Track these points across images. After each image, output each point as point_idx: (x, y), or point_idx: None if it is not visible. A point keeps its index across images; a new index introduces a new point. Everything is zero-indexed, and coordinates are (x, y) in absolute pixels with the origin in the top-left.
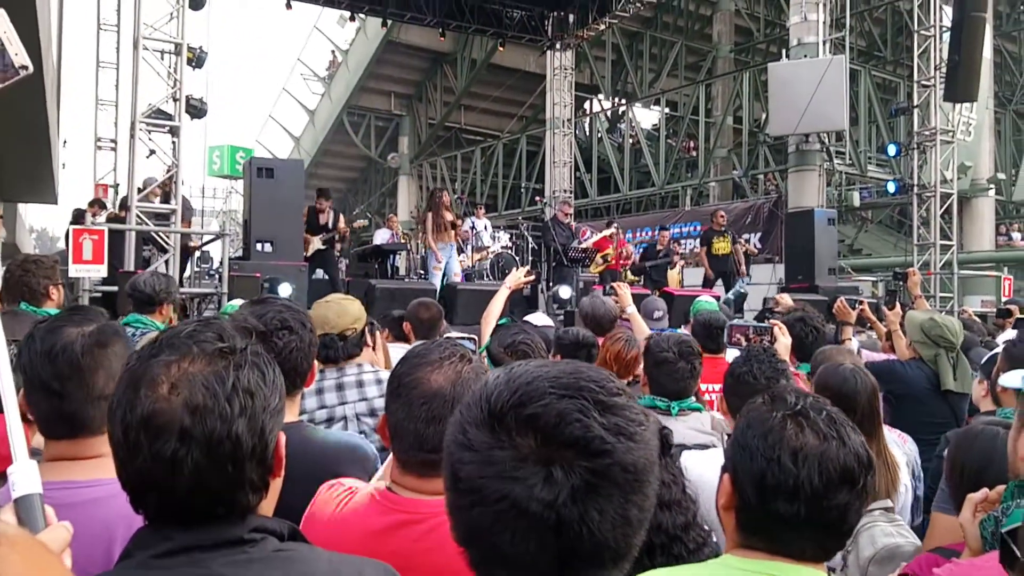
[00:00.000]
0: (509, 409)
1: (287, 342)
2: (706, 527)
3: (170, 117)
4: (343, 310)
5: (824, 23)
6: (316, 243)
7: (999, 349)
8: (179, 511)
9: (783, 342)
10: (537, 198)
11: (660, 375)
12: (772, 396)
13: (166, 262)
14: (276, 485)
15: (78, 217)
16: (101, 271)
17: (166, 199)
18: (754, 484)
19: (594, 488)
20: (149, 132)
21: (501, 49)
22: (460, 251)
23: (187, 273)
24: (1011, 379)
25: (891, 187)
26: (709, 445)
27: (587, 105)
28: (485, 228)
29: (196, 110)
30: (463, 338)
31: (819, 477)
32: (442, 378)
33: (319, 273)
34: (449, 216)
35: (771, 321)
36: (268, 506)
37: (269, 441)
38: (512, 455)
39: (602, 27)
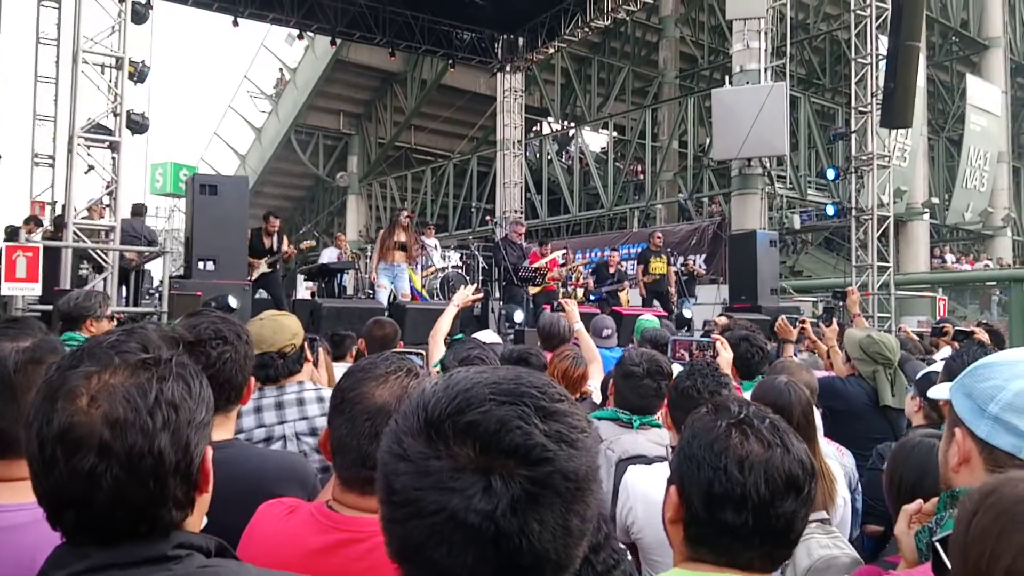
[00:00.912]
0: (447, 417)
1: (221, 352)
2: (620, 547)
3: (110, 132)
4: (279, 326)
5: (765, 51)
6: (262, 267)
7: (933, 367)
8: (98, 528)
9: (725, 356)
10: (488, 218)
11: (625, 388)
12: (716, 406)
13: (104, 280)
14: (203, 501)
15: (12, 234)
16: (35, 289)
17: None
18: (701, 494)
19: (534, 497)
20: (88, 147)
21: (452, 70)
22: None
23: (126, 292)
24: (939, 391)
25: (830, 210)
26: (668, 458)
27: (537, 127)
28: (435, 247)
29: (137, 125)
30: (411, 353)
31: (765, 485)
32: (387, 393)
33: (262, 293)
34: (401, 237)
35: (713, 336)
36: (195, 522)
37: (195, 456)
38: (449, 465)
39: (551, 51)
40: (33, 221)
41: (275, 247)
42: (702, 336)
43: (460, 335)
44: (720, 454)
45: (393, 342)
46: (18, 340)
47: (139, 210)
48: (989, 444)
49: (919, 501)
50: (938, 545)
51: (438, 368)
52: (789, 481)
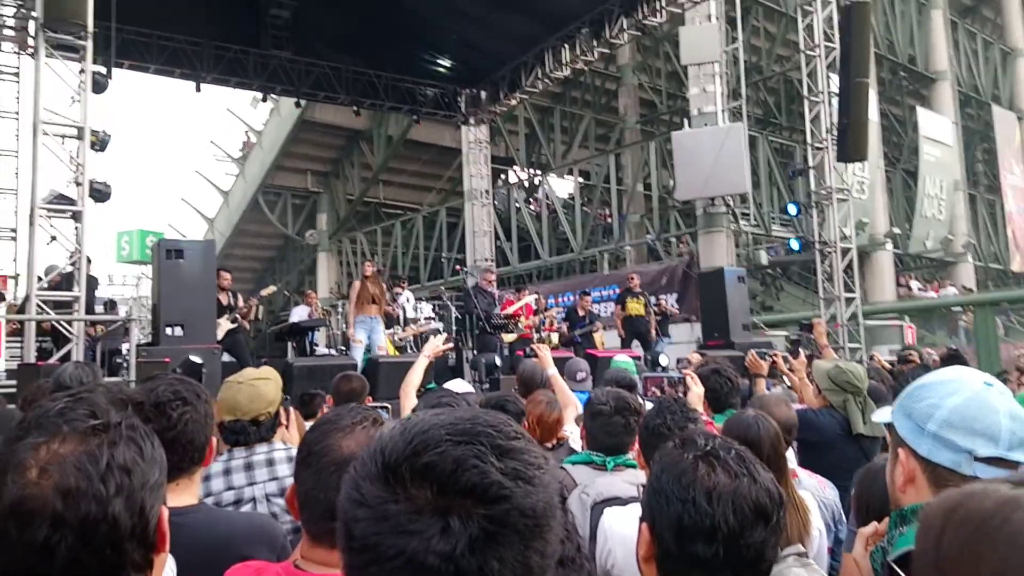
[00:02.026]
0: (403, 460)
1: (181, 413)
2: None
3: (72, 202)
4: (256, 395)
5: (722, 94)
6: (225, 324)
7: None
8: None
9: (695, 392)
10: (458, 268)
11: (595, 428)
12: (683, 439)
13: (68, 352)
14: (161, 560)
15: None
16: None
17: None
18: (671, 528)
19: (493, 536)
20: (50, 218)
21: (417, 125)
22: (388, 325)
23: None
24: (880, 415)
25: (794, 245)
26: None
27: (504, 176)
28: (408, 300)
29: (100, 194)
30: (377, 407)
31: (734, 515)
32: (354, 443)
33: (227, 357)
34: (372, 289)
35: (684, 371)
36: None
37: (150, 518)
38: (407, 508)
39: (514, 102)
40: None
41: (231, 303)
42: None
43: (432, 385)
44: (688, 487)
45: (361, 396)
46: None
47: (91, 284)
48: (931, 461)
49: (874, 523)
50: (895, 565)
51: None
52: (757, 510)
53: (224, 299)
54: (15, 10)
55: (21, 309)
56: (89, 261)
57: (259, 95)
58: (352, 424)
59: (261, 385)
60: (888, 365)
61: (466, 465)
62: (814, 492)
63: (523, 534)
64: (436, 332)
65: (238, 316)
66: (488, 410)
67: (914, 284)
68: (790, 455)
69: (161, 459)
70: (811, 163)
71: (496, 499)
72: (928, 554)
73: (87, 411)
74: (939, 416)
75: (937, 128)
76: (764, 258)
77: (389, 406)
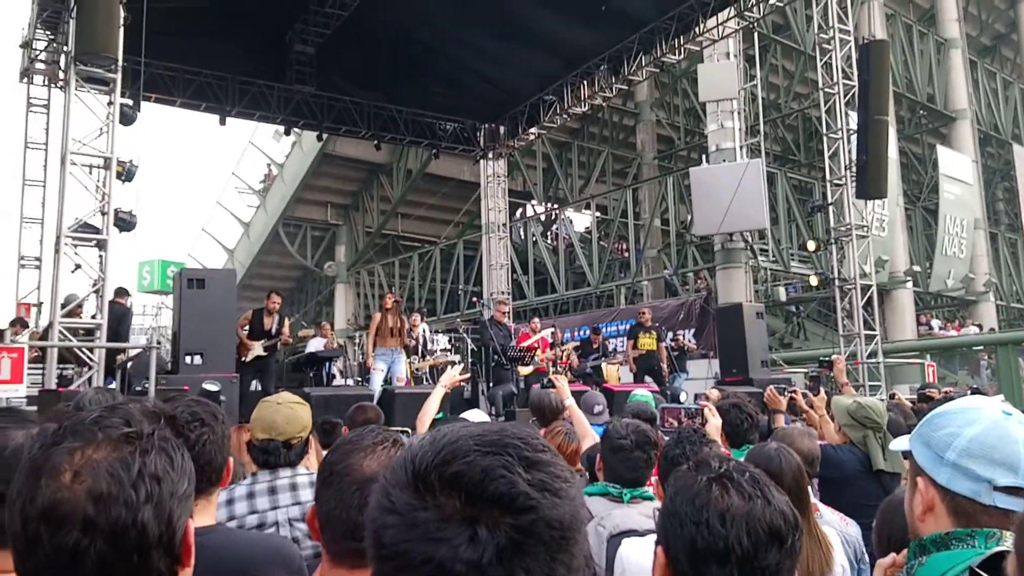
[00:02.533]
0: (433, 468)
1: (199, 435)
2: None
3: (97, 231)
4: (293, 417)
5: (740, 130)
6: (257, 349)
7: None
8: None
9: (713, 423)
10: (475, 300)
11: (615, 461)
12: (697, 462)
13: (89, 379)
14: (186, 575)
15: None
16: (19, 390)
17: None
18: (685, 551)
19: (520, 546)
20: (75, 246)
21: (436, 159)
22: (410, 354)
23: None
24: (898, 444)
25: (813, 281)
26: None
27: (521, 210)
28: (424, 332)
29: (125, 223)
30: (399, 431)
31: (748, 537)
32: (375, 463)
33: (255, 385)
34: (391, 321)
35: (701, 403)
36: None
37: (177, 528)
38: (436, 515)
39: (532, 137)
40: (19, 323)
41: (274, 329)
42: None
43: (441, 415)
44: (701, 508)
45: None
46: (26, 427)
47: (120, 292)
48: (950, 490)
49: (892, 555)
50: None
51: None
52: (772, 532)
53: (269, 322)
54: (46, 43)
55: (44, 336)
56: (127, 293)
57: (281, 129)
58: (373, 444)
59: (298, 408)
60: (909, 403)
61: (494, 475)
62: (836, 528)
63: (549, 545)
64: (452, 364)
65: (275, 344)
66: (515, 423)
67: (935, 323)
68: (811, 490)
69: (190, 471)
70: (830, 199)
71: (523, 509)
72: None
73: (121, 419)
74: (958, 445)
75: (957, 166)
76: (783, 294)
77: (409, 430)
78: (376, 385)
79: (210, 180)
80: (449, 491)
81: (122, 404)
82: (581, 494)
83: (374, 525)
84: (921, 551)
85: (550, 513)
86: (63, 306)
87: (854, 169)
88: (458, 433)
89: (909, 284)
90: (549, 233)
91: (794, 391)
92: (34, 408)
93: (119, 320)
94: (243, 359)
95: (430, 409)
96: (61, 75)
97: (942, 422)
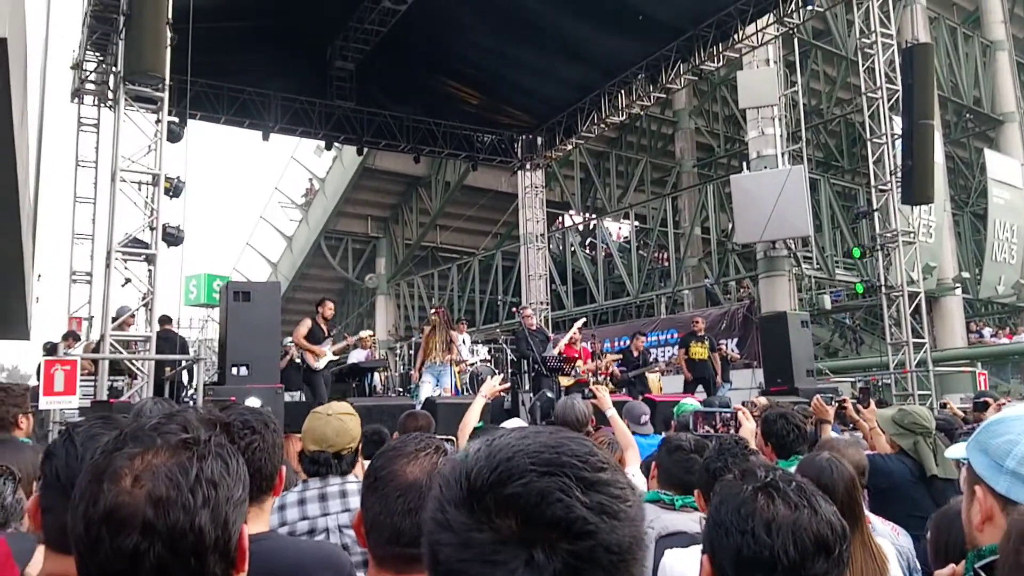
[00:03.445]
0: (488, 488)
1: (250, 442)
2: None
3: (146, 246)
4: (343, 429)
5: (781, 136)
6: (328, 354)
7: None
8: None
9: (748, 427)
10: (514, 310)
11: (671, 462)
12: (743, 472)
13: (139, 390)
14: None
15: (51, 350)
16: (73, 402)
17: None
18: (731, 560)
19: (577, 571)
20: (125, 261)
21: (474, 171)
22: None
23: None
24: (956, 450)
25: (859, 289)
26: None
27: (559, 220)
28: (463, 343)
29: (173, 238)
30: (443, 439)
31: (794, 547)
32: (418, 470)
33: (300, 396)
34: (440, 335)
35: (735, 407)
36: None
37: (232, 533)
38: (492, 537)
39: (569, 147)
40: (71, 336)
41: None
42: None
43: (480, 424)
44: (747, 518)
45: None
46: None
47: (164, 320)
48: (1010, 499)
49: (952, 566)
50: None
51: None
52: (818, 542)
53: (327, 329)
54: (96, 64)
55: (96, 349)
56: (170, 320)
57: (323, 144)
58: (416, 451)
59: (348, 420)
60: (961, 413)
61: (551, 499)
62: (888, 539)
63: (608, 570)
64: (492, 373)
65: (347, 347)
66: (573, 435)
67: (986, 331)
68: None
69: (245, 478)
70: (875, 205)
71: (581, 535)
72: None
73: (179, 426)
74: (1018, 452)
75: (1006, 170)
76: (827, 302)
77: (454, 439)
78: (424, 396)
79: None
80: (505, 513)
81: (180, 411)
82: (642, 511)
83: (430, 539)
84: (979, 561)
85: (609, 538)
86: (114, 319)
87: (899, 174)
88: (514, 448)
89: (958, 291)
90: (588, 243)
91: (843, 400)
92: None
93: (182, 348)
94: (316, 366)
95: (470, 420)
96: (110, 95)
97: (1000, 429)
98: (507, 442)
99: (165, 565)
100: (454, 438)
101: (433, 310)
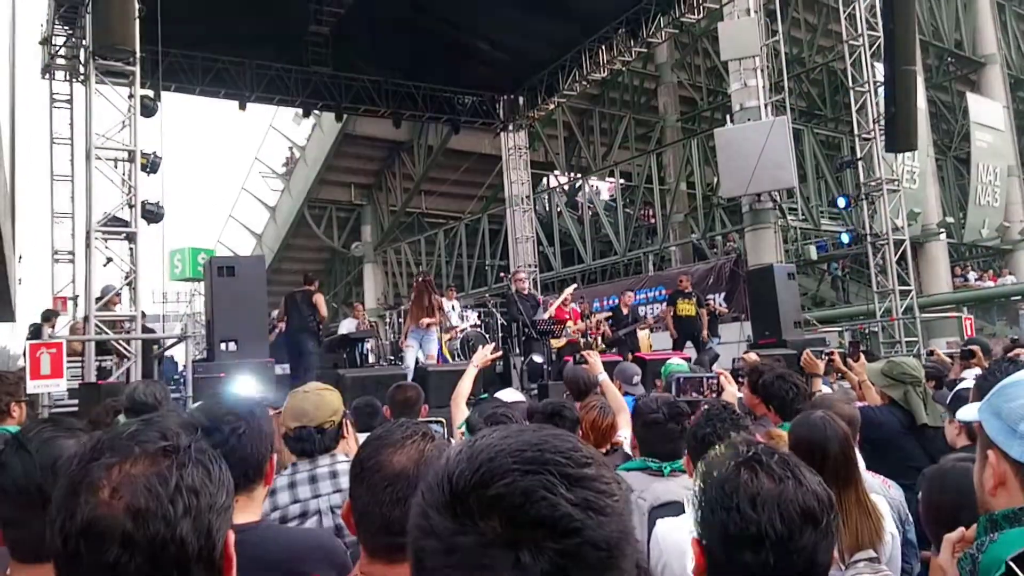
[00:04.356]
0: (471, 490)
1: (234, 428)
2: None
3: (126, 223)
4: (321, 402)
5: (764, 87)
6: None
7: (963, 384)
8: None
9: (730, 390)
10: (502, 275)
11: (650, 436)
12: (724, 447)
13: (127, 370)
14: None
15: (35, 332)
16: (60, 385)
17: None
18: (718, 538)
19: (565, 570)
20: (105, 240)
21: (456, 134)
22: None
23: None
24: (966, 413)
25: (845, 238)
26: None
27: (544, 181)
28: (453, 308)
29: (152, 215)
30: (431, 421)
31: (780, 520)
32: (405, 458)
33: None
34: (424, 301)
35: (716, 370)
36: None
37: (217, 541)
38: (477, 541)
39: (552, 107)
40: (52, 315)
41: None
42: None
43: (484, 395)
44: (731, 494)
45: (416, 405)
46: (75, 436)
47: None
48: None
49: (961, 529)
50: (1013, 564)
51: (463, 429)
52: (805, 514)
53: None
54: (65, 39)
55: (81, 330)
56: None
57: (301, 111)
58: (402, 439)
59: (327, 395)
60: (948, 359)
61: (535, 497)
62: (880, 493)
63: (596, 567)
64: (483, 338)
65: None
66: (557, 432)
67: (971, 274)
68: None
69: (229, 483)
70: (859, 154)
71: (567, 532)
72: None
73: (158, 433)
74: None
75: (988, 113)
76: (814, 253)
77: (444, 420)
78: (410, 361)
79: (235, 166)
80: (489, 515)
81: (159, 416)
82: (628, 505)
83: (415, 546)
84: (993, 527)
85: (595, 534)
86: (99, 298)
87: (882, 122)
88: (496, 448)
89: (943, 236)
90: (574, 202)
91: (831, 352)
92: (75, 403)
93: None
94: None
95: (462, 390)
96: (81, 70)
97: (1015, 392)
98: (489, 442)
99: None
100: (444, 420)
101: (420, 277)
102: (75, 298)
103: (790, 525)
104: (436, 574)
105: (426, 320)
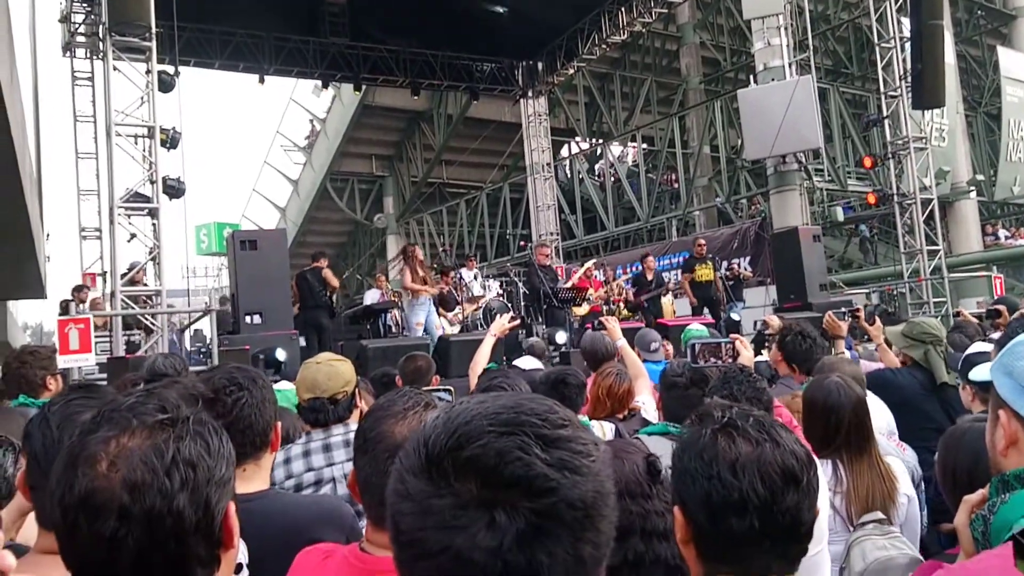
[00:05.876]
0: (446, 453)
1: (236, 399)
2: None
3: (148, 199)
4: (334, 372)
5: (788, 46)
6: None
7: (975, 347)
8: None
9: (746, 355)
10: (523, 244)
11: (670, 400)
12: (699, 415)
13: (155, 343)
14: (230, 557)
15: (65, 308)
16: (89, 359)
17: None
18: (702, 507)
19: (541, 530)
20: (129, 216)
21: (475, 102)
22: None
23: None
24: (979, 373)
25: (871, 199)
26: None
27: (565, 148)
28: (475, 278)
29: (174, 190)
30: (439, 390)
31: (762, 484)
32: (407, 429)
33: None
34: (421, 272)
35: (732, 335)
36: None
37: (216, 513)
38: (452, 503)
39: (571, 71)
40: (83, 289)
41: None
42: (755, 340)
43: (492, 364)
44: (711, 462)
45: (427, 375)
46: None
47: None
48: None
49: (981, 491)
50: (1020, 537)
51: None
52: (785, 475)
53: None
54: (84, 16)
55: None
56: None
57: (320, 83)
58: (404, 410)
59: (339, 365)
60: (975, 320)
61: (509, 457)
62: (895, 455)
63: (572, 527)
64: (505, 307)
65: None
66: (535, 396)
67: (1001, 232)
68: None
69: (230, 455)
70: (885, 112)
71: (542, 492)
72: None
73: (156, 406)
74: None
75: (1020, 67)
76: (840, 214)
77: (452, 388)
78: (419, 333)
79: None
80: (464, 476)
81: (160, 388)
82: (607, 467)
83: (392, 510)
84: (1004, 488)
85: (571, 493)
86: (124, 275)
87: (909, 79)
88: (472, 412)
89: (972, 194)
90: (596, 168)
91: (857, 310)
92: (104, 376)
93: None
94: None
95: (480, 359)
96: (100, 47)
97: None
98: (466, 407)
99: (144, 550)
100: (451, 388)
101: (409, 245)
102: (103, 274)
103: (772, 488)
104: (412, 537)
105: (420, 290)
